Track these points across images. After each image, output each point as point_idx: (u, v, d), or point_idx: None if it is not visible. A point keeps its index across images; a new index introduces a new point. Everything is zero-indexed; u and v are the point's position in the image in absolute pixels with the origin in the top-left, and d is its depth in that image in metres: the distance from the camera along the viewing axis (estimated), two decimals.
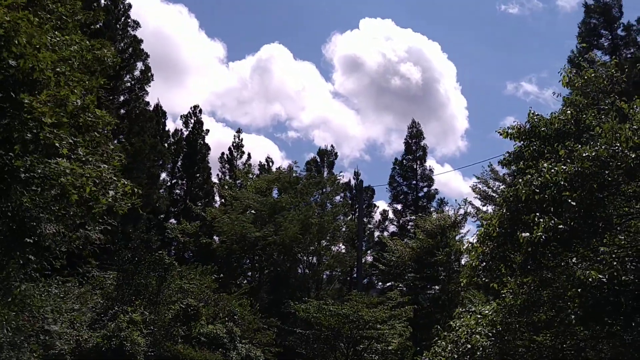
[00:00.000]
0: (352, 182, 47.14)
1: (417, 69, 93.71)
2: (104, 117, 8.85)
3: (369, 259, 43.46)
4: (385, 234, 45.23)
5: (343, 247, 39.79)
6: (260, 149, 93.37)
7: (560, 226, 7.73)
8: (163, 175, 41.34)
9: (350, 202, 43.89)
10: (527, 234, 8.20)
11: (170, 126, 56.90)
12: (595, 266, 7.19)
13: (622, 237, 8.30)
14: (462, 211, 33.39)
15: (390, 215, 46.15)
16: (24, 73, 7.47)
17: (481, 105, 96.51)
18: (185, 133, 42.89)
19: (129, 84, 29.32)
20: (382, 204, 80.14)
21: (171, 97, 79.95)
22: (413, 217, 43.40)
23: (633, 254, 7.95)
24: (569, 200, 7.78)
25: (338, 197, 39.49)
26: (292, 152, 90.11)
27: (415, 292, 33.65)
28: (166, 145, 40.24)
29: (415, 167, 45.33)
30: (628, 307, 7.03)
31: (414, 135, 45.75)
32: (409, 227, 44.25)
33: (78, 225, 9.37)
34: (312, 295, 30.85)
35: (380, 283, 41.71)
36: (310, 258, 36.75)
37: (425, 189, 45.26)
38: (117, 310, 14.66)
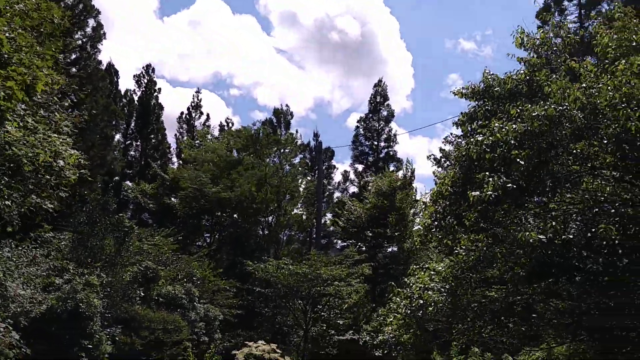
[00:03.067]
0: (312, 143, 47.10)
1: (357, 23, 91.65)
2: (51, 76, 8.54)
3: (328, 219, 43.83)
4: (347, 194, 45.58)
5: (302, 208, 39.99)
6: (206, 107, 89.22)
7: (509, 185, 7.90)
8: (117, 136, 40.50)
9: (309, 163, 43.89)
10: (477, 192, 8.35)
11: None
12: (540, 224, 7.39)
13: (569, 195, 8.56)
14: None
15: (352, 176, 46.44)
16: None
17: (427, 63, 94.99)
18: (139, 93, 41.90)
19: (80, 42, 28.23)
20: (340, 165, 79.97)
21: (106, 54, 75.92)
22: (375, 177, 43.86)
23: (579, 211, 8.20)
24: (518, 159, 7.94)
25: (297, 159, 39.42)
26: (237, 111, 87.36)
27: (373, 251, 34.27)
28: (120, 105, 39.33)
29: (379, 127, 45.39)
30: (571, 266, 7.27)
31: (378, 95, 45.62)
32: (369, 187, 44.64)
33: (30, 191, 9.12)
34: (271, 256, 31.06)
35: (339, 242, 42.22)
36: (269, 219, 36.84)
37: (385, 150, 45.49)
38: (73, 273, 14.48)
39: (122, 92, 40.85)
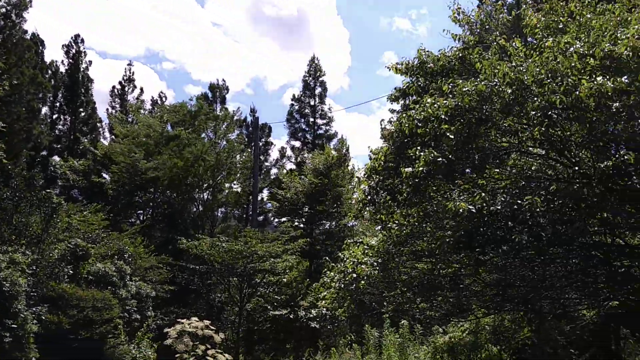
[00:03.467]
0: (249, 118, 46.59)
1: None
2: None
3: (265, 196, 43.69)
4: (284, 171, 45.46)
5: (239, 184, 39.67)
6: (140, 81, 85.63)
7: (439, 159, 8.04)
8: (45, 109, 38.80)
9: (246, 139, 43.47)
10: (410, 168, 8.47)
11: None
12: (469, 197, 7.57)
13: (497, 170, 8.80)
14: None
15: (289, 152, 46.27)
16: None
17: (363, 40, 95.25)
18: (67, 64, 40.17)
19: (4, 10, 26.70)
20: (277, 142, 79.30)
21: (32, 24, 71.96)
22: (311, 154, 43.91)
23: (506, 186, 8.45)
24: (447, 133, 8.09)
25: (234, 134, 38.89)
26: (171, 84, 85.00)
27: (310, 227, 34.50)
28: (47, 77, 37.61)
29: (313, 104, 45.25)
30: (497, 236, 7.50)
31: (313, 71, 45.42)
32: (307, 164, 44.65)
33: None
34: (207, 233, 30.73)
35: (276, 219, 42.21)
36: (205, 195, 36.35)
37: (323, 127, 45.46)
38: None
39: (48, 63, 39.06)
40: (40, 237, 15.77)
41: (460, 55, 9.88)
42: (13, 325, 11.93)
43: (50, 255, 15.82)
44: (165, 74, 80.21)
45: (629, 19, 8.39)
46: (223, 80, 46.88)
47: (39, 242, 15.64)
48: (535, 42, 9.17)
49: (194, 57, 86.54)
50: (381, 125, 13.47)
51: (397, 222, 10.88)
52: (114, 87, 43.08)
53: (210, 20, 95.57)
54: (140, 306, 18.31)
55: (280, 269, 23.97)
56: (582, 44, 8.11)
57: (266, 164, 46.18)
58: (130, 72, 43.57)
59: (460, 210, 7.47)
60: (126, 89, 42.95)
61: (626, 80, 7.14)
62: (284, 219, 34.18)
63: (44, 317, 13.97)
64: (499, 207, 7.36)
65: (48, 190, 16.94)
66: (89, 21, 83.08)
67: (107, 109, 42.58)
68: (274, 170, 46.38)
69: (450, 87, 8.71)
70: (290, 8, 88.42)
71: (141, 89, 43.31)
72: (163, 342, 13.13)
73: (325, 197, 31.91)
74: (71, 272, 16.27)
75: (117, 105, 42.60)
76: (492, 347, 16.83)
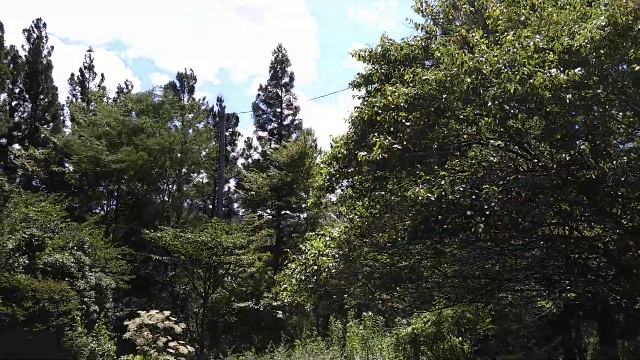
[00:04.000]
0: (216, 108, 45.99)
1: None
2: None
3: (232, 187, 43.33)
4: (250, 160, 45.08)
5: (205, 174, 39.23)
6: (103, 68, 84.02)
7: (395, 145, 7.96)
8: (3, 96, 37.71)
9: (212, 129, 42.94)
10: (365, 152, 8.38)
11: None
12: (429, 186, 7.51)
13: (458, 162, 8.78)
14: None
15: (255, 143, 45.82)
16: None
17: (331, 32, 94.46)
18: (27, 49, 39.05)
19: None
20: (244, 132, 78.49)
21: None
22: (277, 145, 43.63)
23: (467, 177, 8.41)
24: (404, 121, 8.02)
25: (200, 124, 38.33)
26: (137, 72, 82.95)
27: (277, 220, 34.37)
28: (5, 62, 36.60)
29: (280, 94, 44.84)
30: (455, 224, 7.47)
31: (280, 61, 44.99)
32: (272, 157, 44.38)
33: None
34: (172, 224, 30.27)
35: (242, 210, 41.91)
36: (170, 186, 35.81)
37: (290, 118, 45.14)
38: None
39: (8, 49, 37.91)
40: None
41: (423, 44, 9.81)
42: None
43: (4, 245, 15.33)
44: (130, 62, 78.46)
45: (589, 13, 8.42)
46: (191, 69, 46.04)
47: None
48: (497, 34, 9.14)
49: (160, 45, 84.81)
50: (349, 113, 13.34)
51: (358, 213, 10.79)
52: (72, 74, 41.84)
53: (180, 6, 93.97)
54: (100, 298, 17.92)
55: (245, 262, 23.77)
56: (542, 37, 8.12)
57: (233, 154, 45.70)
58: (90, 59, 42.31)
59: (419, 198, 7.40)
60: (87, 76, 41.77)
61: (580, 73, 7.17)
62: (249, 211, 33.97)
63: None
64: (458, 196, 7.32)
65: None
66: (52, 5, 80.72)
67: (68, 97, 41.50)
68: (240, 161, 45.96)
69: (412, 76, 8.63)
70: None
71: (102, 76, 42.14)
72: (122, 335, 12.86)
73: (292, 189, 31.76)
74: (27, 262, 15.79)
75: (78, 93, 41.50)
76: (454, 338, 16.97)
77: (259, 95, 44.89)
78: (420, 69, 8.58)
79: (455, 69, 7.88)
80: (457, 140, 9.24)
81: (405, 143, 7.86)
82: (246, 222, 26.15)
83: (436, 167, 8.21)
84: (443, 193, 7.27)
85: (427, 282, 11.20)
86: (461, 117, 8.20)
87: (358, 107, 9.25)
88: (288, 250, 13.63)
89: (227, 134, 44.11)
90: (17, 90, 38.92)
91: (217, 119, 43.62)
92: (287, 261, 13.05)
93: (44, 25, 39.80)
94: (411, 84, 8.45)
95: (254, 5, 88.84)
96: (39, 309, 14.91)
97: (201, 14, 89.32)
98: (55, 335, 15.06)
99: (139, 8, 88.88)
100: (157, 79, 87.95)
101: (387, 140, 7.72)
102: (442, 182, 7.35)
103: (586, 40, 7.58)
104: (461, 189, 7.51)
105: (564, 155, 7.61)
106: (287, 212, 34.91)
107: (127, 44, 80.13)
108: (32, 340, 14.43)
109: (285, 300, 12.66)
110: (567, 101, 7.07)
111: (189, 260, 24.00)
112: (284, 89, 44.64)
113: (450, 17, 11.14)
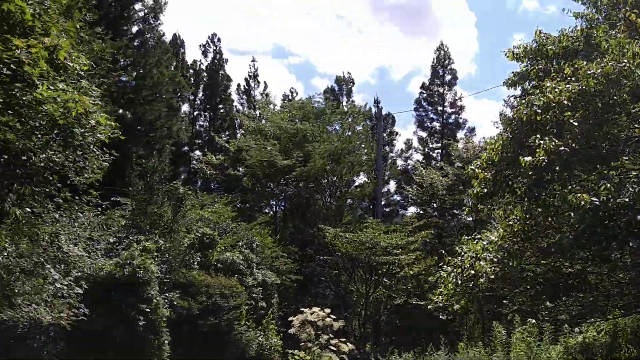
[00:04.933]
0: (373, 110, 46.40)
1: None
2: (79, 59, 8.60)
3: (392, 187, 43.39)
4: (410, 162, 44.82)
5: (365, 176, 39.74)
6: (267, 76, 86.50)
7: (562, 148, 7.40)
8: (185, 107, 41.37)
9: (369, 130, 43.34)
10: (529, 157, 7.88)
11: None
12: (594, 188, 6.90)
13: (627, 159, 7.93)
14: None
15: (415, 143, 45.47)
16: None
17: (490, 23, 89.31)
18: (205, 63, 42.46)
19: (142, 13, 28.70)
20: (403, 132, 77.49)
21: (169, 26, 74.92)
22: (439, 145, 42.83)
23: (637, 176, 7.61)
24: (571, 120, 7.41)
25: (359, 127, 38.91)
26: (299, 78, 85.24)
27: (444, 219, 33.73)
28: (187, 76, 40.07)
29: (442, 92, 44.03)
30: (622, 230, 6.78)
31: (441, 58, 44.15)
32: (434, 154, 43.69)
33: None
34: (334, 224, 31.07)
35: (402, 211, 41.82)
36: (333, 188, 36.79)
37: (453, 116, 44.13)
38: (131, 240, 14.90)
39: (190, 63, 41.50)
40: (171, 226, 16.76)
41: (584, 35, 9.02)
42: (147, 310, 12.72)
43: (181, 243, 16.75)
44: (292, 68, 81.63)
45: None
46: (349, 73, 47.01)
47: (171, 231, 16.62)
48: None
49: (319, 50, 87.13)
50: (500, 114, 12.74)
51: (516, 217, 10.23)
52: (239, 84, 44.60)
53: (334, 12, 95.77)
54: (266, 294, 18.91)
55: (403, 262, 23.71)
56: None
57: (391, 154, 45.72)
58: (255, 68, 44.78)
59: (582, 203, 6.82)
60: (252, 84, 44.23)
61: None
62: (415, 211, 33.60)
63: (175, 303, 14.80)
64: (627, 200, 6.62)
65: (175, 182, 17.96)
66: (220, 19, 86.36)
67: (236, 106, 44.39)
68: (399, 162, 45.82)
69: (572, 70, 7.98)
70: None
71: (265, 84, 44.40)
72: (287, 331, 13.49)
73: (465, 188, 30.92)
74: (200, 259, 17.10)
75: (245, 102, 44.15)
76: (633, 350, 15.47)
77: (421, 93, 44.48)
78: (584, 62, 7.89)
79: (625, 61, 7.15)
80: (626, 135, 8.38)
81: (573, 145, 7.25)
82: (404, 223, 26.07)
83: (598, 166, 7.52)
84: (609, 197, 6.62)
85: (596, 289, 10.30)
86: (633, 112, 7.42)
87: (515, 107, 8.75)
88: (444, 252, 13.36)
89: (385, 134, 44.25)
90: (197, 102, 42.47)
91: (375, 119, 43.97)
92: (442, 263, 12.81)
93: (219, 39, 43.02)
94: (573, 79, 7.82)
95: (408, 1, 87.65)
96: (212, 303, 16.04)
97: (357, 16, 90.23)
98: (226, 329, 16.10)
99: (294, 13, 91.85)
100: (318, 83, 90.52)
101: (552, 143, 7.18)
102: (608, 184, 6.68)
103: None
104: (631, 189, 6.79)
105: None
106: (454, 211, 34.13)
107: (287, 51, 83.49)
108: (206, 333, 15.54)
109: (440, 304, 12.40)
110: None
111: (348, 259, 24.50)
112: (446, 87, 43.75)
113: (615, 1, 10.12)
